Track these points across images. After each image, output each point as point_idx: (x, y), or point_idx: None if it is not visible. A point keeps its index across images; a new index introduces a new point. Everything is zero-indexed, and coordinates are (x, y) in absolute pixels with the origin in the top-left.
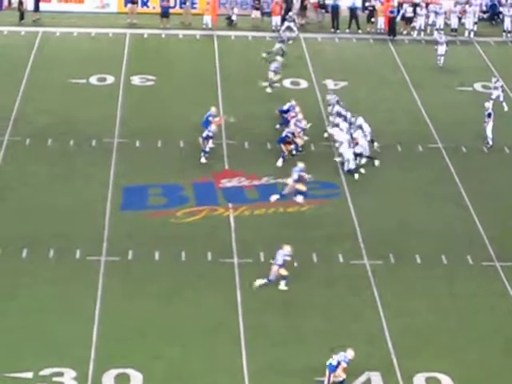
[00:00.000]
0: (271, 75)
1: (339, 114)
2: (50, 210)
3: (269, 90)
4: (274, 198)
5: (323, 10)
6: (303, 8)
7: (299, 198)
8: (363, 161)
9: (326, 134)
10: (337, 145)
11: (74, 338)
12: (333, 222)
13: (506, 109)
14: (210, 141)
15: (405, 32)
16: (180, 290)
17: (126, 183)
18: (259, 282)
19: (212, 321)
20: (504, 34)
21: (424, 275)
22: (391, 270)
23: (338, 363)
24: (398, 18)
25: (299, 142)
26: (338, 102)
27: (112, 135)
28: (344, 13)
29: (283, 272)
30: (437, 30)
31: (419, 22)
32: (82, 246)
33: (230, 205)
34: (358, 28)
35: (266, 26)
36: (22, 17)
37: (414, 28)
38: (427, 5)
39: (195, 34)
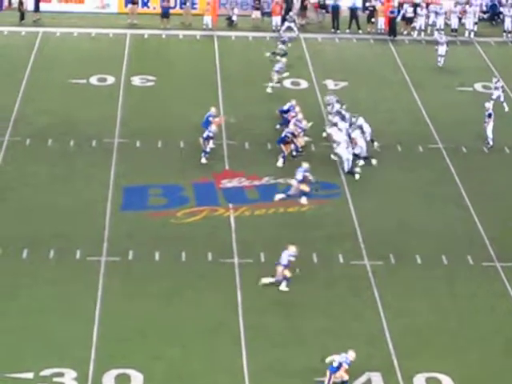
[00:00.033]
0: (275, 75)
1: (338, 113)
2: (51, 211)
3: (269, 90)
4: (279, 196)
5: (323, 10)
6: (303, 8)
7: (303, 200)
8: (361, 162)
9: (324, 134)
10: (334, 145)
11: (75, 338)
12: (333, 223)
13: (506, 109)
14: (211, 141)
15: (405, 32)
16: (180, 291)
17: (127, 183)
18: (266, 280)
19: (212, 321)
20: (504, 34)
21: (424, 275)
22: (391, 270)
23: (340, 365)
24: (399, 19)
25: (299, 142)
26: (338, 102)
27: (112, 135)
28: (344, 13)
29: (287, 273)
30: (437, 30)
31: (419, 22)
32: (82, 247)
33: (231, 205)
34: (359, 28)
35: (267, 26)
36: (22, 17)
37: (414, 28)
38: (427, 5)
39: (195, 34)
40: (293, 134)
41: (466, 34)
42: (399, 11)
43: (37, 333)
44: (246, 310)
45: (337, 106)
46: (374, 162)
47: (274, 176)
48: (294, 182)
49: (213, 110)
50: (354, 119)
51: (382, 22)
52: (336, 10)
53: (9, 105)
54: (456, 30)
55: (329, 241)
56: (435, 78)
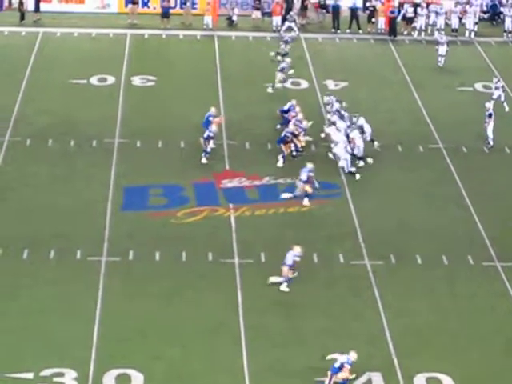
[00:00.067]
0: (279, 75)
1: (337, 113)
2: (51, 211)
3: (270, 90)
4: (286, 195)
5: (324, 10)
6: (304, 8)
7: (305, 202)
8: (361, 163)
9: (322, 135)
10: (332, 145)
11: (75, 338)
12: (333, 222)
13: (506, 109)
14: (211, 141)
15: (405, 32)
16: (180, 291)
17: (127, 183)
18: (274, 278)
19: (212, 321)
20: (505, 34)
21: (425, 275)
22: (392, 270)
23: (342, 365)
24: (399, 19)
25: (299, 142)
26: (337, 101)
27: (113, 135)
28: (345, 13)
29: (290, 274)
30: (437, 30)
31: (420, 22)
32: (82, 247)
33: (231, 205)
34: (359, 28)
35: (267, 26)
36: (22, 17)
37: (414, 28)
38: (428, 5)
39: (196, 34)
40: (293, 133)
41: (467, 33)
42: (399, 11)
43: (37, 333)
44: (246, 310)
45: (336, 105)
46: (369, 160)
47: (274, 176)
48: (299, 184)
49: (213, 110)
50: (354, 119)
51: (382, 22)
52: (336, 9)
53: (9, 105)
54: (456, 30)
55: (329, 241)
56: (435, 77)
